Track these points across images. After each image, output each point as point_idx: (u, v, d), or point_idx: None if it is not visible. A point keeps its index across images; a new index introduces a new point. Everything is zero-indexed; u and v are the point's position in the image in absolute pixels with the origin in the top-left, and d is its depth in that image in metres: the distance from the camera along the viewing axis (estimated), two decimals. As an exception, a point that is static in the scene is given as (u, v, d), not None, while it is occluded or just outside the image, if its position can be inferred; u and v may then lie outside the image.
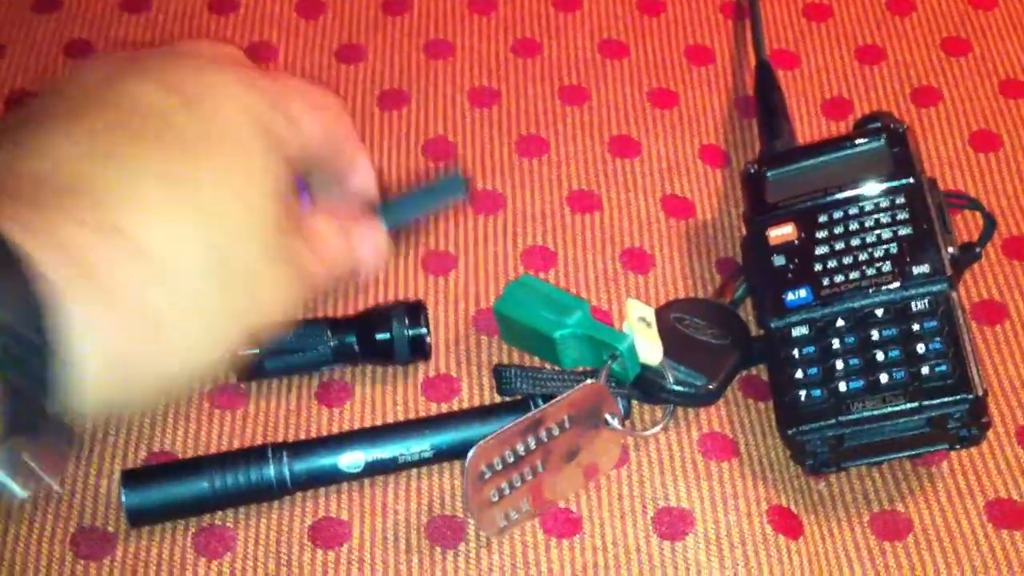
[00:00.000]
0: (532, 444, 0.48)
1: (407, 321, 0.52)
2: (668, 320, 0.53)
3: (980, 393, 0.47)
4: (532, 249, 0.58)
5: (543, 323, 0.52)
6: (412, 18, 0.67)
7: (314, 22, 0.66)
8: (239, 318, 0.37)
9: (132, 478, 0.48)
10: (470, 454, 0.47)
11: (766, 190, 0.55)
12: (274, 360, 0.52)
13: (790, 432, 0.49)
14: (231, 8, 0.66)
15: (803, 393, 0.49)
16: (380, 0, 0.67)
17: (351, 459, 0.49)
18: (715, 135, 0.62)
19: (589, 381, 0.50)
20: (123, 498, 0.47)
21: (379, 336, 0.52)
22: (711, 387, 0.51)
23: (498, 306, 0.54)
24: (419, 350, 0.52)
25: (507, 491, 0.48)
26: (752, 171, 0.56)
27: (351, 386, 0.53)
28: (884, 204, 0.52)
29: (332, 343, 0.52)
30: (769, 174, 0.55)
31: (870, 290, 0.50)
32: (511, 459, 0.48)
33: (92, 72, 0.38)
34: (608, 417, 0.50)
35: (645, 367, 0.51)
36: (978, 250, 0.54)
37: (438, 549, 0.48)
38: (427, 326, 0.52)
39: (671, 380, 0.51)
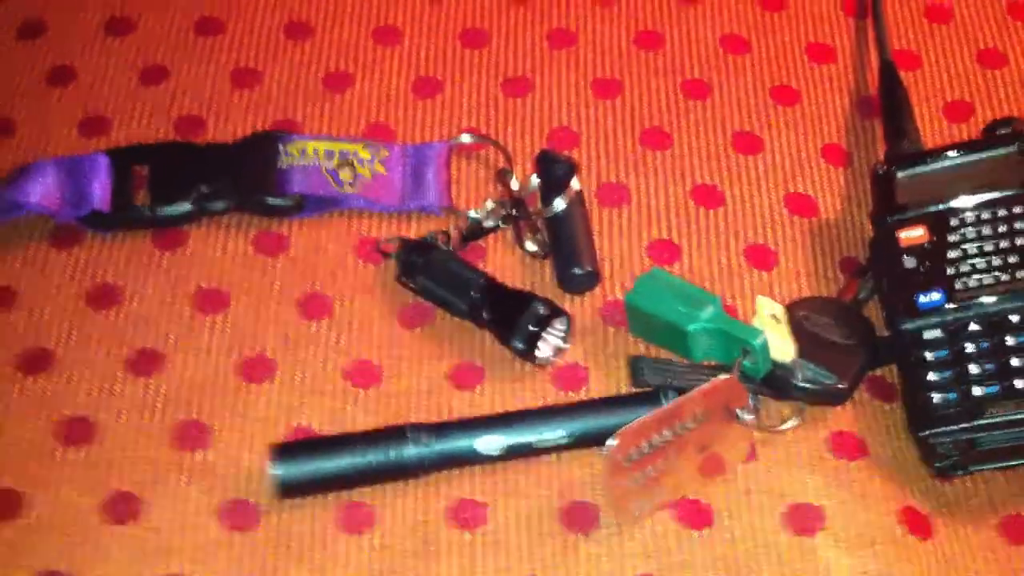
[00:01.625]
0: (668, 435, 0.49)
1: (532, 326, 0.53)
2: (795, 318, 0.54)
3: (1120, 403, 0.48)
4: (657, 243, 0.58)
5: (677, 316, 0.53)
6: (536, 6, 0.67)
7: (439, 6, 0.67)
8: None
9: (281, 452, 0.49)
10: (611, 442, 0.47)
11: (896, 190, 0.55)
12: (428, 279, 0.55)
13: (922, 434, 0.50)
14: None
15: (936, 396, 0.50)
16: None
17: (489, 442, 0.50)
18: (837, 134, 0.62)
19: (723, 376, 0.50)
20: (275, 470, 0.48)
21: (504, 325, 0.54)
22: (841, 386, 0.52)
23: (630, 297, 0.55)
24: (530, 357, 0.54)
25: (643, 480, 0.49)
26: (882, 171, 0.56)
27: (483, 368, 0.54)
28: (1018, 210, 0.52)
29: (473, 299, 0.54)
30: (899, 174, 0.56)
31: (1005, 295, 0.51)
32: (647, 449, 0.49)
33: None
34: (740, 412, 0.51)
35: (776, 364, 0.52)
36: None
37: (572, 534, 0.49)
38: (562, 338, 0.54)
39: (801, 378, 0.52)
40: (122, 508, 0.50)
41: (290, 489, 0.49)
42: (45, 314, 0.55)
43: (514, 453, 0.51)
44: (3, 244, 0.57)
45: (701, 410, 0.49)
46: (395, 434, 0.50)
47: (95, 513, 0.49)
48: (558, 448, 0.51)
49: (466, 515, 0.49)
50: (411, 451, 0.50)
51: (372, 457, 0.49)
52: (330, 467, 0.49)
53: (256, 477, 0.50)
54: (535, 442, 0.51)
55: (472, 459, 0.50)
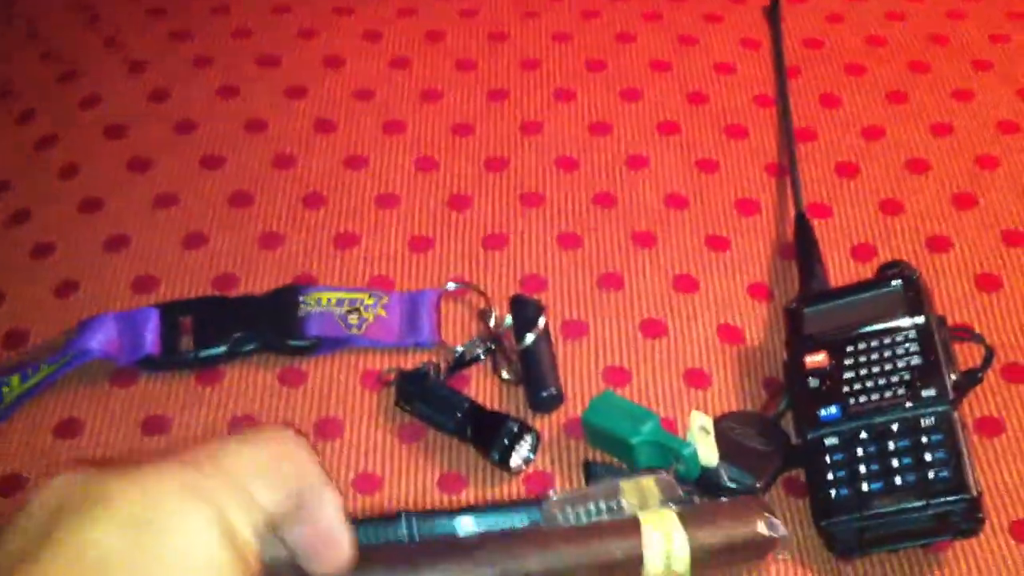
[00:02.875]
0: (603, 507, 0.60)
1: (506, 441, 0.65)
2: (722, 428, 0.66)
3: (975, 494, 0.59)
4: (610, 369, 0.70)
5: (623, 430, 0.65)
6: (510, 175, 0.80)
7: (428, 175, 0.81)
8: None
9: None
10: (551, 495, 0.59)
11: (803, 323, 0.67)
12: (421, 403, 0.66)
13: (822, 524, 0.61)
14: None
15: (833, 492, 0.61)
16: (484, 158, 0.82)
17: (465, 524, 0.62)
18: (761, 274, 0.75)
19: (662, 472, 0.62)
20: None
21: (483, 441, 0.65)
22: (758, 485, 0.63)
23: (586, 416, 0.66)
24: (504, 466, 0.65)
25: None
26: (792, 307, 0.68)
27: (466, 477, 0.65)
28: (899, 339, 0.64)
29: (458, 419, 0.65)
30: (806, 311, 0.68)
31: (888, 409, 0.62)
32: (584, 516, 0.59)
33: (47, 497, 0.36)
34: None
35: (704, 468, 0.63)
36: (980, 375, 0.66)
37: None
38: (531, 450, 0.65)
39: (725, 479, 0.63)
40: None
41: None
42: (107, 441, 0.67)
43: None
44: (72, 383, 0.69)
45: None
46: (389, 517, 0.62)
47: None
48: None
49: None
50: (403, 531, 0.61)
51: (370, 535, 0.61)
52: None
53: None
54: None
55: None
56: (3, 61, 0.92)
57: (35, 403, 0.69)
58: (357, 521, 0.61)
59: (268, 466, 0.39)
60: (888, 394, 0.63)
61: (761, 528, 0.50)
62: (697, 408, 0.68)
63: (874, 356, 0.64)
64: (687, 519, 0.51)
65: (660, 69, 0.89)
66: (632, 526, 0.52)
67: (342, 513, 0.43)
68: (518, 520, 0.63)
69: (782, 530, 0.50)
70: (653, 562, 0.50)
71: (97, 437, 0.67)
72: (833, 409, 0.63)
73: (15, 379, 0.68)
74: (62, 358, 0.68)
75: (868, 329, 0.65)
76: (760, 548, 0.50)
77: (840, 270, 0.75)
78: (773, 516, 0.49)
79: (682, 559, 0.50)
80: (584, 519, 0.59)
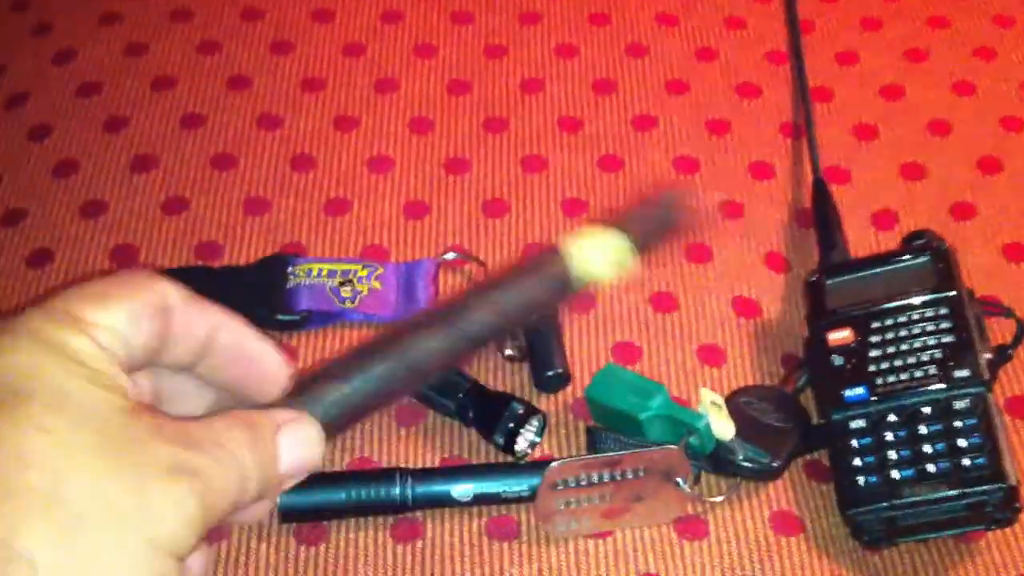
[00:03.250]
0: (606, 477, 0.57)
1: (511, 425, 0.61)
2: (738, 404, 0.62)
3: (1013, 482, 0.55)
4: (620, 345, 0.66)
5: (630, 405, 0.61)
6: (511, 136, 0.76)
7: (423, 137, 0.76)
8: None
9: None
10: (550, 465, 0.56)
11: (825, 297, 0.64)
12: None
13: (849, 513, 0.57)
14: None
15: (861, 479, 0.58)
16: (483, 118, 0.77)
17: (462, 489, 0.58)
18: (777, 243, 0.71)
19: (670, 446, 0.58)
20: (277, 498, 0.57)
21: (486, 424, 0.62)
22: (775, 464, 0.60)
23: (589, 391, 0.62)
24: (509, 451, 0.61)
25: (574, 505, 0.57)
26: (813, 280, 0.65)
27: (468, 461, 0.62)
28: (930, 314, 0.60)
29: (459, 400, 0.62)
30: (828, 283, 0.64)
31: (919, 389, 0.59)
32: (584, 482, 0.57)
33: None
34: (680, 479, 0.58)
35: (719, 443, 0.60)
36: (1011, 352, 0.63)
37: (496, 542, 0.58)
38: (537, 433, 0.61)
39: (740, 456, 0.60)
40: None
41: (290, 515, 0.58)
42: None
43: (483, 500, 0.59)
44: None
45: (642, 467, 0.57)
46: (384, 475, 0.59)
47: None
48: (520, 499, 0.59)
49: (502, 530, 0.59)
50: (395, 490, 0.58)
51: (364, 492, 0.58)
52: (326, 498, 0.58)
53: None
54: (502, 492, 0.59)
55: (448, 503, 0.59)
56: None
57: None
58: (352, 475, 0.58)
59: (116, 294, 0.37)
60: (918, 374, 0.59)
61: None
62: (712, 386, 0.64)
63: (902, 333, 0.60)
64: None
65: (667, 23, 0.84)
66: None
67: (284, 371, 0.40)
68: (515, 486, 0.60)
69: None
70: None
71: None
72: (859, 390, 0.60)
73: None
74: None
75: (895, 304, 0.61)
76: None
77: (860, 238, 0.71)
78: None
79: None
80: (584, 496, 0.57)
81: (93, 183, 0.73)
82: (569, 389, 0.64)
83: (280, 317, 0.66)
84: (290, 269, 0.67)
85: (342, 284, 0.67)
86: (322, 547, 0.58)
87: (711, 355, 0.66)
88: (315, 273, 0.67)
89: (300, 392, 0.40)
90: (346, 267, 0.68)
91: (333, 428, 0.39)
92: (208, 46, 0.81)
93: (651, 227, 0.47)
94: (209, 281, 0.67)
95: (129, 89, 0.79)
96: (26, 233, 0.71)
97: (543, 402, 0.64)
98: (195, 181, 0.73)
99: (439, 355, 0.42)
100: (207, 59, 0.81)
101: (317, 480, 0.59)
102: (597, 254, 0.46)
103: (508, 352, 0.65)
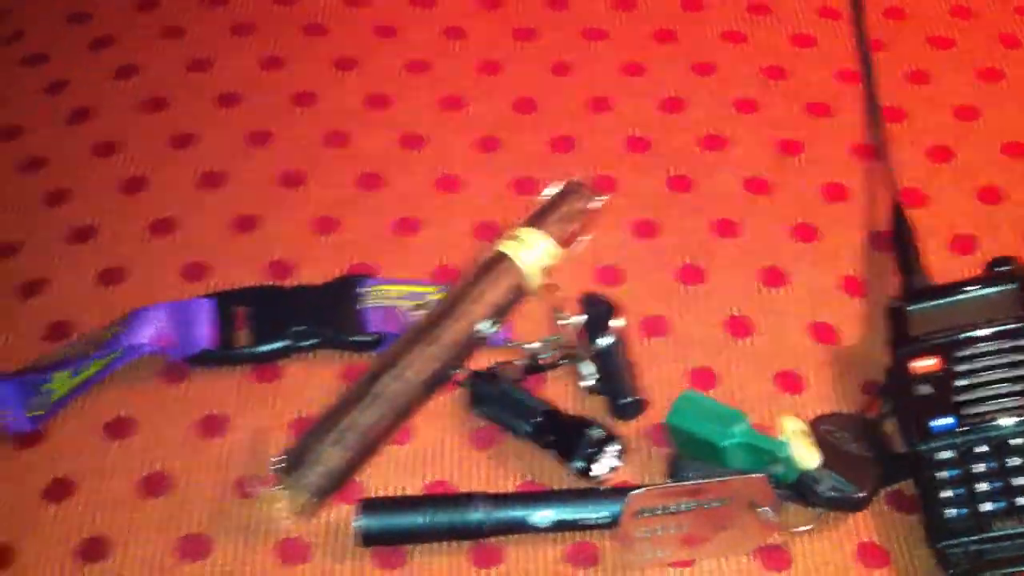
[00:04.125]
0: (689, 505, 0.56)
1: (589, 449, 0.60)
2: (819, 432, 0.61)
3: (1109, 517, 0.54)
4: (696, 370, 0.65)
5: (711, 433, 0.60)
6: (579, 153, 0.75)
7: (492, 155, 0.75)
8: None
9: (366, 507, 0.58)
10: (633, 492, 0.56)
11: (908, 324, 0.63)
12: (496, 408, 0.63)
13: (938, 546, 0.57)
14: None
15: (949, 511, 0.57)
16: (550, 137, 0.76)
17: (542, 515, 0.58)
18: (854, 267, 0.70)
19: (755, 474, 0.57)
20: (359, 522, 0.58)
21: (564, 448, 0.61)
22: (861, 495, 0.59)
23: (670, 419, 0.62)
24: (587, 476, 0.61)
25: (652, 534, 0.57)
26: (895, 307, 0.64)
27: (547, 488, 0.61)
28: (1020, 343, 0.60)
29: (536, 424, 0.62)
30: (911, 309, 0.63)
31: (1009, 420, 0.58)
32: (666, 509, 0.56)
33: None
34: (763, 508, 0.58)
35: (802, 472, 0.59)
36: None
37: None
38: (616, 457, 0.61)
39: (825, 486, 0.59)
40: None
41: (371, 539, 0.58)
42: (161, 442, 0.62)
43: (562, 527, 0.58)
44: (124, 380, 0.65)
45: (726, 495, 0.57)
46: (463, 500, 0.58)
47: (213, 623, 0.57)
48: (599, 526, 0.58)
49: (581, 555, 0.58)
50: (474, 516, 0.57)
51: (442, 517, 0.57)
52: (405, 522, 0.58)
53: None
54: (581, 520, 0.58)
55: (526, 528, 0.58)
56: (36, 28, 0.86)
57: (84, 400, 0.64)
58: (431, 499, 0.58)
59: None
60: (1009, 404, 0.58)
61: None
62: (792, 415, 0.63)
63: (991, 362, 0.59)
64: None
65: (733, 41, 0.83)
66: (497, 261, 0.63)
67: None
68: (595, 512, 0.59)
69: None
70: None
71: (151, 438, 0.63)
72: (947, 420, 0.59)
73: (65, 375, 0.63)
74: (111, 353, 0.64)
75: (983, 331, 0.60)
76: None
77: (939, 263, 0.69)
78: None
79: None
80: (666, 524, 0.56)
81: (163, 200, 0.73)
82: (646, 415, 0.64)
83: (353, 339, 0.65)
84: (363, 290, 0.67)
85: (415, 308, 0.66)
86: (401, 570, 0.58)
87: (789, 382, 0.65)
88: (388, 295, 0.67)
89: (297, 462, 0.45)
90: (419, 289, 0.67)
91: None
92: (272, 62, 0.81)
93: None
94: (281, 300, 0.67)
95: (194, 104, 0.79)
96: (98, 250, 0.71)
97: (621, 429, 0.63)
98: (264, 199, 0.73)
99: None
100: (271, 75, 0.80)
101: (396, 503, 0.59)
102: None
103: (586, 384, 0.65)
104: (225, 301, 0.66)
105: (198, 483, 0.61)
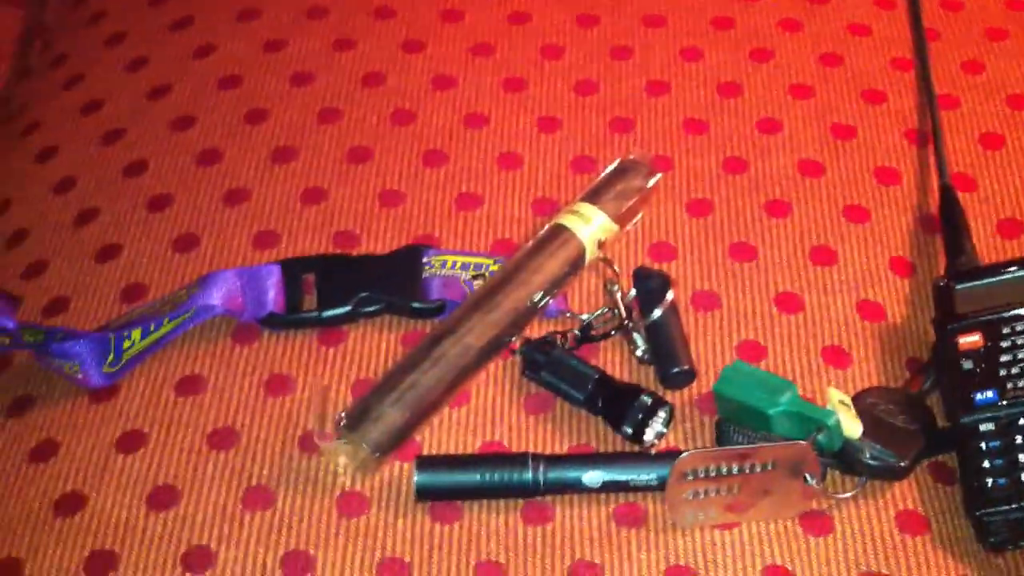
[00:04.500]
0: (735, 470, 0.58)
1: (640, 415, 0.63)
2: (864, 404, 0.63)
3: None
4: (744, 344, 0.67)
5: (759, 401, 0.62)
6: (637, 135, 0.78)
7: (551, 135, 0.78)
8: None
9: (423, 463, 0.61)
10: (681, 455, 0.58)
11: (955, 301, 0.64)
12: (549, 374, 0.65)
13: (977, 514, 0.58)
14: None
15: (989, 481, 0.58)
16: (610, 118, 0.79)
17: (592, 476, 0.60)
18: (903, 248, 0.71)
19: (800, 441, 0.59)
20: (417, 477, 0.60)
21: (615, 414, 0.63)
22: (903, 464, 0.61)
23: (717, 387, 0.64)
24: (637, 441, 0.63)
25: (699, 496, 0.59)
26: (942, 284, 0.65)
27: (594, 449, 0.63)
28: (1063, 320, 0.61)
29: (588, 391, 0.64)
30: (957, 288, 0.65)
31: (1050, 394, 0.59)
32: (713, 473, 0.58)
33: None
34: (807, 475, 0.59)
35: (846, 441, 0.60)
36: None
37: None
38: (664, 424, 0.63)
39: (868, 455, 0.60)
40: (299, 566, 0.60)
41: (427, 494, 0.61)
42: (230, 399, 0.66)
43: (611, 488, 0.61)
44: (194, 340, 0.68)
45: (771, 461, 0.58)
46: (517, 460, 0.61)
47: (278, 568, 0.60)
48: (647, 488, 0.60)
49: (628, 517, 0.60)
50: (527, 475, 0.60)
51: (497, 475, 0.60)
52: (461, 479, 0.60)
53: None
54: (631, 480, 0.60)
55: (577, 488, 0.61)
56: (116, 9, 0.90)
57: (156, 359, 0.67)
58: (487, 458, 0.60)
59: None
60: (1050, 379, 0.59)
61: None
62: (837, 387, 0.65)
63: (1034, 338, 0.61)
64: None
65: (790, 29, 0.85)
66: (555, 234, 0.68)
67: None
68: (643, 474, 0.61)
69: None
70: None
71: (220, 395, 0.66)
72: (989, 393, 0.60)
73: (136, 333, 0.66)
74: (184, 313, 0.67)
75: (1027, 310, 0.62)
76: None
77: (985, 246, 0.71)
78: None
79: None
80: (712, 488, 0.58)
81: (235, 172, 0.76)
82: (694, 385, 0.66)
83: (415, 306, 0.68)
84: (425, 260, 0.70)
85: (475, 277, 0.69)
86: (456, 525, 0.60)
87: (836, 356, 0.67)
88: (449, 265, 0.70)
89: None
90: (479, 261, 0.70)
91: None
92: (343, 43, 0.84)
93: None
94: (347, 268, 0.70)
95: (267, 83, 0.82)
96: (172, 219, 0.74)
97: (670, 398, 0.65)
98: (332, 173, 0.76)
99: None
100: (343, 55, 0.83)
101: (452, 462, 0.62)
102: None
103: (639, 354, 0.67)
104: (293, 268, 0.70)
105: (263, 438, 0.64)
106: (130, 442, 0.64)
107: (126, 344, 0.66)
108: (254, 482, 0.62)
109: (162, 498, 0.62)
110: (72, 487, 0.63)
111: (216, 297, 0.68)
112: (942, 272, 0.69)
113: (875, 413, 0.62)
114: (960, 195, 0.72)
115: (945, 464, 0.62)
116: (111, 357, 0.66)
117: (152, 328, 0.67)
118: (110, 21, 0.90)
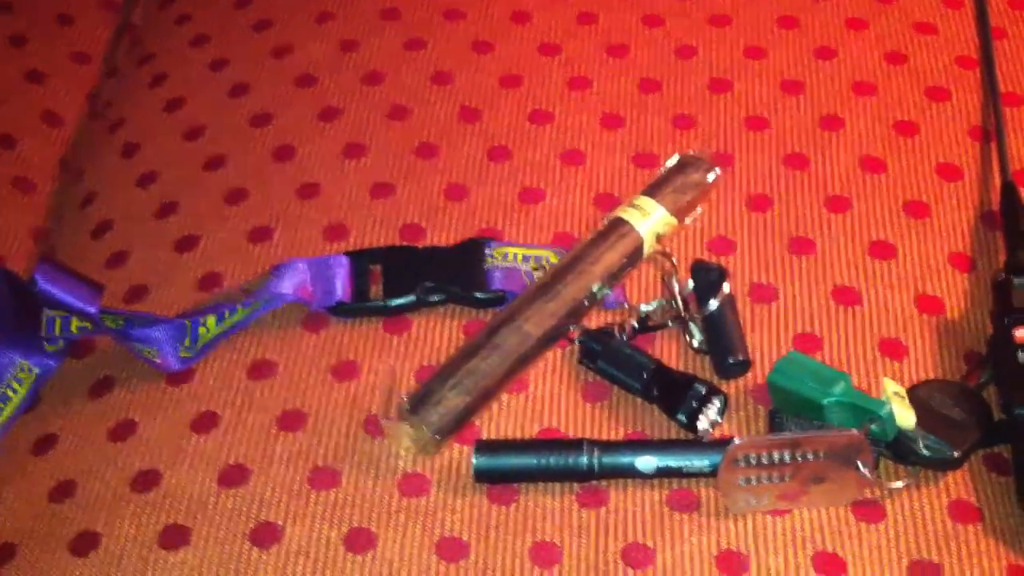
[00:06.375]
0: (787, 457, 0.59)
1: (694, 403, 0.64)
2: (920, 396, 0.63)
3: None
4: (801, 335, 0.68)
5: (812, 392, 0.63)
6: (699, 131, 0.79)
7: (614, 132, 0.79)
8: None
9: (482, 447, 0.63)
10: (734, 441, 0.59)
11: (1013, 295, 0.64)
12: (606, 363, 0.66)
13: (1029, 504, 0.58)
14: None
15: (1043, 472, 0.59)
16: (672, 115, 0.80)
17: (646, 462, 0.62)
18: (963, 243, 0.72)
19: (853, 430, 0.60)
20: (475, 460, 0.62)
21: (670, 402, 0.65)
22: (955, 455, 0.61)
23: (772, 377, 0.65)
24: (691, 429, 0.64)
25: (751, 483, 0.60)
26: (1001, 279, 0.65)
27: (650, 437, 0.65)
28: (1120, 314, 0.61)
29: (644, 380, 0.65)
30: (1016, 281, 0.65)
31: (1105, 388, 0.59)
32: (765, 460, 0.59)
33: None
34: (860, 464, 0.60)
35: (900, 431, 0.61)
36: None
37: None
38: (718, 413, 0.64)
39: (921, 446, 0.61)
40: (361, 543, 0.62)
41: (485, 476, 0.63)
42: (300, 383, 0.68)
43: (665, 473, 0.62)
44: (265, 326, 0.71)
45: (824, 450, 0.59)
46: (573, 445, 0.62)
47: (341, 544, 0.62)
48: (700, 474, 0.61)
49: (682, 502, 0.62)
50: (583, 459, 0.61)
51: (552, 459, 0.62)
52: (519, 463, 0.62)
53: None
54: (684, 467, 0.62)
55: (631, 473, 0.62)
56: (202, 12, 0.94)
57: (230, 344, 0.70)
58: (543, 443, 0.62)
59: None
60: (1107, 372, 0.60)
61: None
62: (893, 379, 0.65)
63: (1092, 332, 0.61)
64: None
65: (854, 28, 0.85)
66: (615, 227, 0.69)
67: None
68: (697, 461, 0.63)
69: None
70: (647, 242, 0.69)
71: (289, 379, 0.68)
72: (1045, 386, 0.61)
73: (211, 319, 0.69)
74: (256, 301, 0.70)
75: (1085, 304, 0.62)
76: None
77: (1048, 242, 0.71)
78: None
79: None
80: (765, 475, 0.59)
81: (309, 167, 0.79)
82: (749, 375, 0.67)
83: (478, 296, 0.70)
84: (487, 251, 0.72)
85: (535, 269, 0.71)
86: (512, 507, 0.62)
87: (893, 349, 0.67)
88: (511, 257, 0.72)
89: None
90: (539, 253, 0.72)
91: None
92: (414, 43, 0.87)
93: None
94: (413, 259, 0.72)
95: (341, 82, 0.85)
96: (248, 211, 0.77)
97: (725, 387, 0.66)
98: (400, 168, 0.79)
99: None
100: (413, 55, 0.86)
101: (510, 446, 0.64)
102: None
103: (695, 345, 0.68)
104: (361, 259, 0.72)
105: (330, 420, 0.67)
106: (203, 423, 0.67)
107: (201, 330, 0.69)
108: (320, 462, 0.65)
109: (233, 476, 0.65)
110: (148, 465, 0.66)
111: (288, 286, 0.70)
112: (1004, 267, 0.69)
113: (930, 404, 0.63)
114: (1022, 192, 0.72)
115: (1000, 454, 0.63)
116: (187, 342, 0.69)
117: (226, 315, 0.70)
118: (195, 23, 0.93)
